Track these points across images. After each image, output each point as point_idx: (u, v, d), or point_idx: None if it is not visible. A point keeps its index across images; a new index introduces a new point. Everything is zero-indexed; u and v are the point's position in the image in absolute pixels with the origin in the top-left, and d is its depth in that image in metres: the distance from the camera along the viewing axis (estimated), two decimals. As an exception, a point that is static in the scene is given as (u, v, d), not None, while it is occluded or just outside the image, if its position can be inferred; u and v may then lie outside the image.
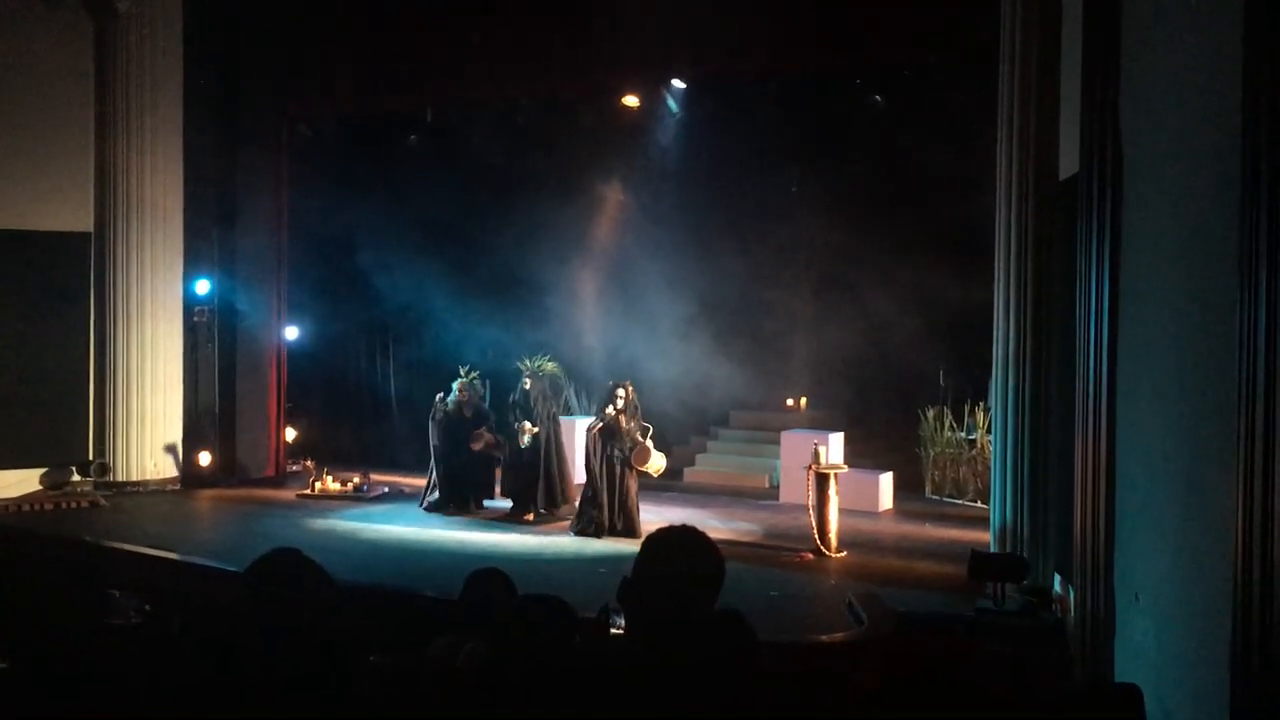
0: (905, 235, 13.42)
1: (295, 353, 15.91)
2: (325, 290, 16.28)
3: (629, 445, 11.49)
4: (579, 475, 12.60)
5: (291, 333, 15.71)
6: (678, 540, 2.71)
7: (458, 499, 12.66)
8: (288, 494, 14.04)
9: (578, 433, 13.65)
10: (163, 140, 14.25)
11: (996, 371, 9.55)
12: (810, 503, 10.77)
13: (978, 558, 8.50)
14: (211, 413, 14.75)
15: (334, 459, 15.20)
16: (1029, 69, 8.94)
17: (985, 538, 9.81)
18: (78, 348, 14.14)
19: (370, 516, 12.46)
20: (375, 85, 14.42)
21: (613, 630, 4.99)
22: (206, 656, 2.63)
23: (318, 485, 13.86)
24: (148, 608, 5.45)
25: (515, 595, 4.38)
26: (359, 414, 17.47)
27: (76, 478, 13.58)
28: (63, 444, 13.77)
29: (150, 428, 14.23)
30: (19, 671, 2.75)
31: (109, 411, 14.11)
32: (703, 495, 13.97)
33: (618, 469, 11.49)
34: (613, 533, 11.34)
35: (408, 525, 12.02)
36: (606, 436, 11.59)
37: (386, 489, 14.04)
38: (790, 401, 15.76)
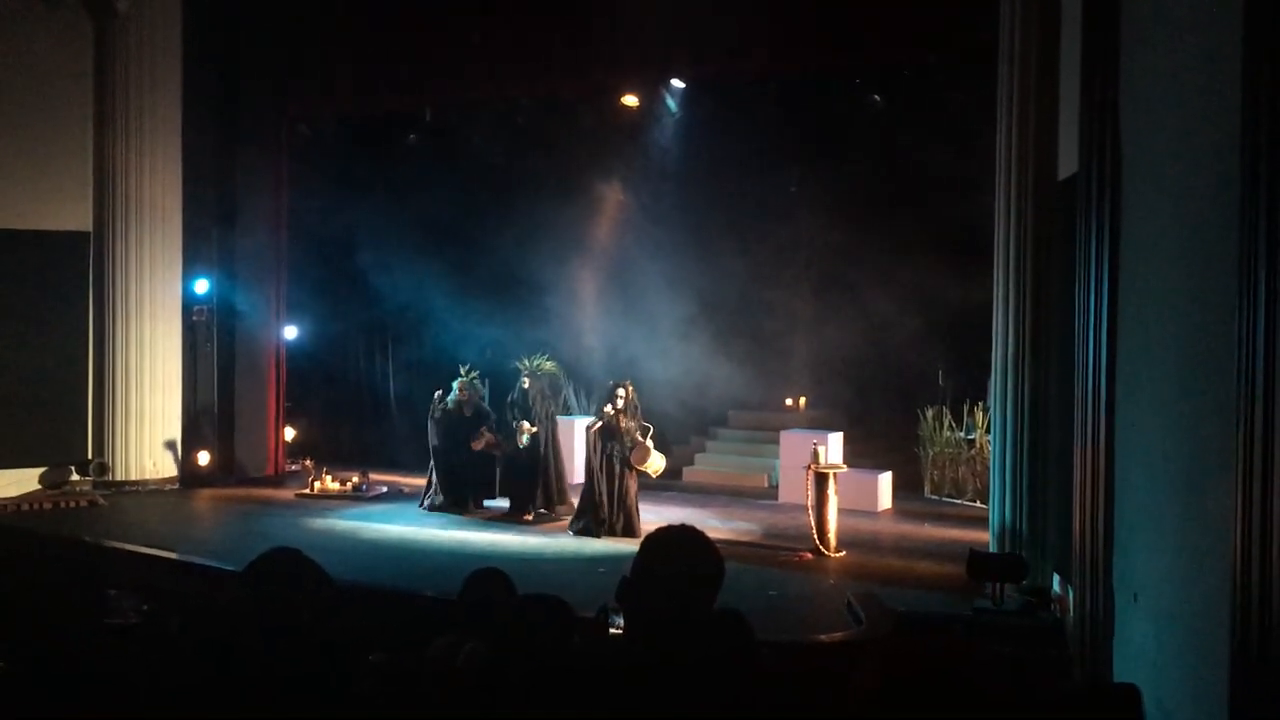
0: (905, 235, 13.43)
1: (294, 352, 15.91)
2: (325, 290, 16.28)
3: (628, 445, 11.49)
4: (577, 475, 12.60)
5: (291, 332, 15.71)
6: (677, 540, 2.70)
7: (457, 498, 12.66)
8: (287, 493, 14.05)
9: (577, 432, 13.66)
10: (162, 140, 14.26)
11: (996, 371, 9.54)
12: (809, 502, 10.78)
13: (976, 557, 8.50)
14: (210, 412, 14.75)
15: (333, 458, 15.21)
16: (1028, 69, 8.94)
17: (984, 537, 9.81)
18: (77, 347, 14.15)
19: (369, 516, 12.46)
20: (375, 85, 14.42)
21: (612, 630, 4.99)
22: (206, 656, 2.63)
23: (317, 485, 13.86)
24: (146, 607, 5.45)
25: (514, 595, 4.38)
26: (358, 413, 17.48)
27: (75, 477, 13.58)
28: (62, 443, 13.78)
29: (149, 427, 14.24)
30: (18, 672, 2.75)
31: (108, 411, 14.12)
32: (702, 495, 13.98)
33: (617, 468, 11.49)
34: (612, 532, 11.34)
35: (407, 525, 12.02)
36: (606, 436, 11.59)
37: (385, 488, 14.05)
38: (789, 401, 15.76)
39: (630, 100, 14.30)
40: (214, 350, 14.78)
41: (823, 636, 7.93)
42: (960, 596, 8.66)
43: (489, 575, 4.60)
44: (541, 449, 12.29)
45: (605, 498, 11.47)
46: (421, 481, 13.33)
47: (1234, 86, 4.13)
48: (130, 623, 5.03)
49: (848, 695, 1.97)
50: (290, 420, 15.69)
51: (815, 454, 11.01)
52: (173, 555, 10.47)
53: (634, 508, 11.54)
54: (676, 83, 13.92)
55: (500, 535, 11.53)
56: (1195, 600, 4.83)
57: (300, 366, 16.20)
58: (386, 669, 3.83)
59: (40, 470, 13.30)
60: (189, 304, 14.60)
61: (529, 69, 13.44)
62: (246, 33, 14.66)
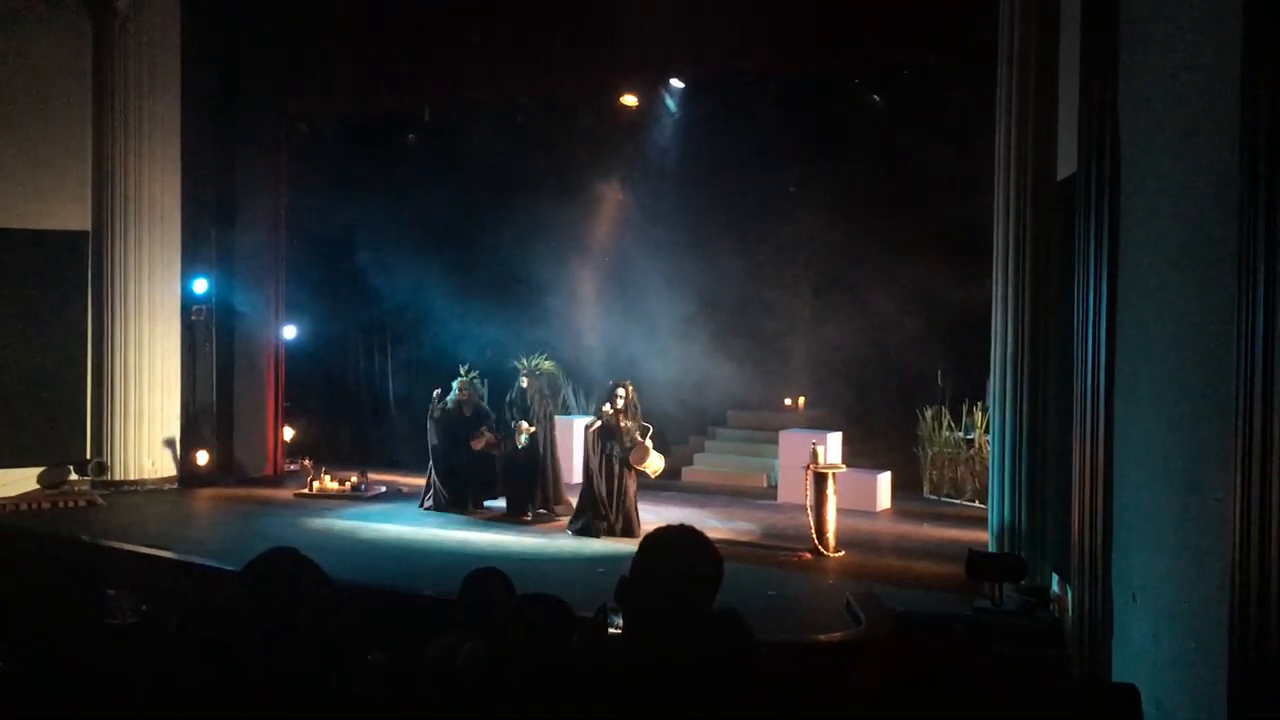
0: (904, 235, 13.43)
1: (293, 352, 15.91)
2: (324, 289, 16.27)
3: (628, 444, 11.48)
4: (576, 475, 12.59)
5: (290, 332, 15.70)
6: (676, 540, 2.70)
7: (457, 498, 12.66)
8: (285, 493, 14.04)
9: (576, 432, 13.65)
10: (161, 139, 14.25)
11: (995, 371, 9.54)
12: (808, 502, 10.77)
13: (976, 557, 8.50)
14: (209, 412, 14.74)
15: (332, 458, 15.21)
16: (1028, 68, 8.93)
17: (983, 537, 9.80)
18: (76, 346, 14.14)
19: (368, 516, 12.46)
20: (375, 85, 14.42)
21: (610, 630, 4.98)
22: (204, 656, 2.63)
23: (315, 484, 13.85)
24: (144, 607, 5.45)
25: (513, 595, 4.38)
26: (357, 413, 17.48)
27: (74, 476, 13.56)
28: (60, 443, 13.77)
29: (148, 427, 14.23)
30: (18, 672, 2.74)
31: (107, 410, 14.11)
32: (701, 495, 13.97)
33: (616, 468, 11.48)
34: (611, 532, 11.34)
35: (406, 525, 12.01)
36: (605, 435, 11.59)
37: (384, 488, 14.05)
38: (789, 401, 15.75)
39: (630, 100, 14.30)
40: (213, 350, 14.77)
41: (822, 636, 7.93)
42: (959, 596, 8.66)
43: (488, 575, 4.60)
44: (540, 449, 12.29)
45: (604, 497, 11.46)
46: (420, 481, 13.32)
47: (1233, 86, 4.13)
48: (129, 622, 5.02)
49: (848, 695, 1.97)
50: (289, 420, 15.69)
51: (814, 454, 11.01)
52: (171, 555, 10.46)
53: (633, 508, 11.54)
54: (676, 83, 13.92)
55: (499, 535, 11.53)
56: (1194, 600, 4.83)
57: (299, 366, 16.20)
58: (385, 669, 3.83)
59: (39, 470, 13.28)
60: (188, 303, 14.59)
61: (529, 69, 13.44)
62: (246, 32, 14.64)
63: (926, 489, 14.01)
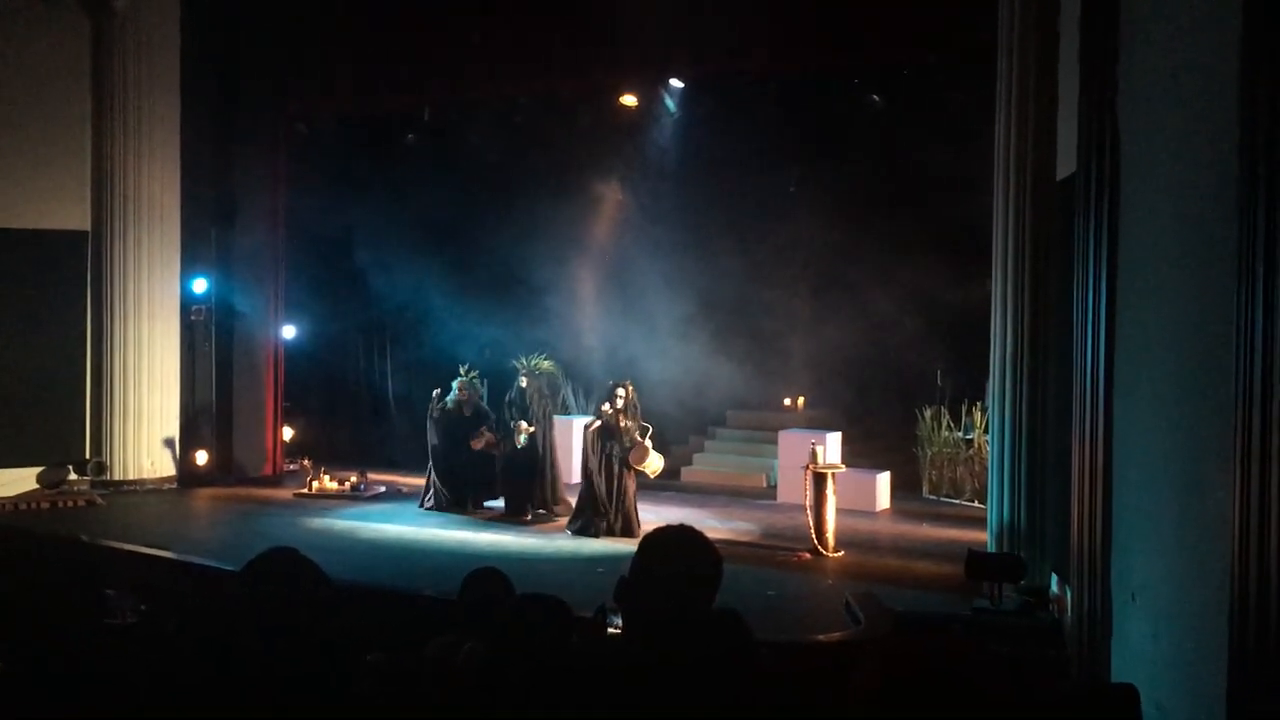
0: (904, 235, 13.43)
1: (293, 352, 15.90)
2: (323, 289, 16.27)
3: (627, 444, 11.48)
4: (575, 475, 12.59)
5: (289, 331, 15.70)
6: (675, 540, 2.70)
7: (457, 498, 12.66)
8: (285, 493, 14.04)
9: (575, 432, 13.65)
10: (160, 139, 14.25)
11: (994, 371, 9.54)
12: (808, 502, 10.77)
13: (975, 557, 8.50)
14: (208, 411, 14.74)
15: (331, 458, 15.20)
16: (1027, 68, 8.93)
17: (982, 537, 9.80)
18: (75, 346, 14.13)
19: (367, 516, 12.46)
20: (375, 85, 14.41)
21: (610, 630, 4.98)
22: (204, 656, 2.63)
23: (315, 484, 13.85)
24: (143, 607, 5.44)
25: (513, 595, 4.38)
26: (356, 413, 17.48)
27: (73, 476, 13.55)
28: (60, 443, 13.76)
29: (147, 426, 14.23)
30: (18, 672, 2.74)
31: (106, 410, 14.11)
32: (700, 495, 13.97)
33: (616, 468, 11.47)
34: (610, 532, 11.34)
35: (405, 525, 12.01)
36: (605, 435, 11.58)
37: (384, 488, 14.05)
38: (788, 401, 15.75)
39: (629, 100, 14.29)
40: (212, 350, 14.77)
41: (821, 636, 7.93)
42: (958, 596, 8.67)
43: (487, 575, 4.60)
44: (539, 449, 12.29)
45: (604, 497, 11.46)
46: (420, 481, 13.31)
47: (1232, 86, 4.13)
48: (127, 622, 5.02)
49: (848, 695, 1.97)
50: (288, 420, 15.68)
51: (814, 454, 11.01)
52: (171, 555, 10.46)
53: (632, 507, 11.54)
54: (675, 82, 13.91)
55: (498, 535, 11.53)
56: (1193, 600, 4.83)
57: (298, 366, 16.19)
58: (384, 669, 3.83)
59: (38, 469, 13.28)
60: (187, 303, 14.59)
61: (529, 69, 13.43)
62: (245, 32, 14.64)
63: (926, 489, 14.02)
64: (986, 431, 11.72)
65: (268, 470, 15.00)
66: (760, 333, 15.07)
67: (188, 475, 14.42)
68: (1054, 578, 8.36)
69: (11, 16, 13.53)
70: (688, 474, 14.96)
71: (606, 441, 11.57)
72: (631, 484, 11.57)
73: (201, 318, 14.64)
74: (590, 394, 15.57)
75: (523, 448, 12.20)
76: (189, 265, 14.60)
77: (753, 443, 15.23)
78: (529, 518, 12.16)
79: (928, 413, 14.05)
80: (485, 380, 13.89)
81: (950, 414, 13.91)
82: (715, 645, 2.55)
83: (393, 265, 14.83)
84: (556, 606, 3.85)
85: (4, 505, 12.67)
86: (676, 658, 2.49)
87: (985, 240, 9.73)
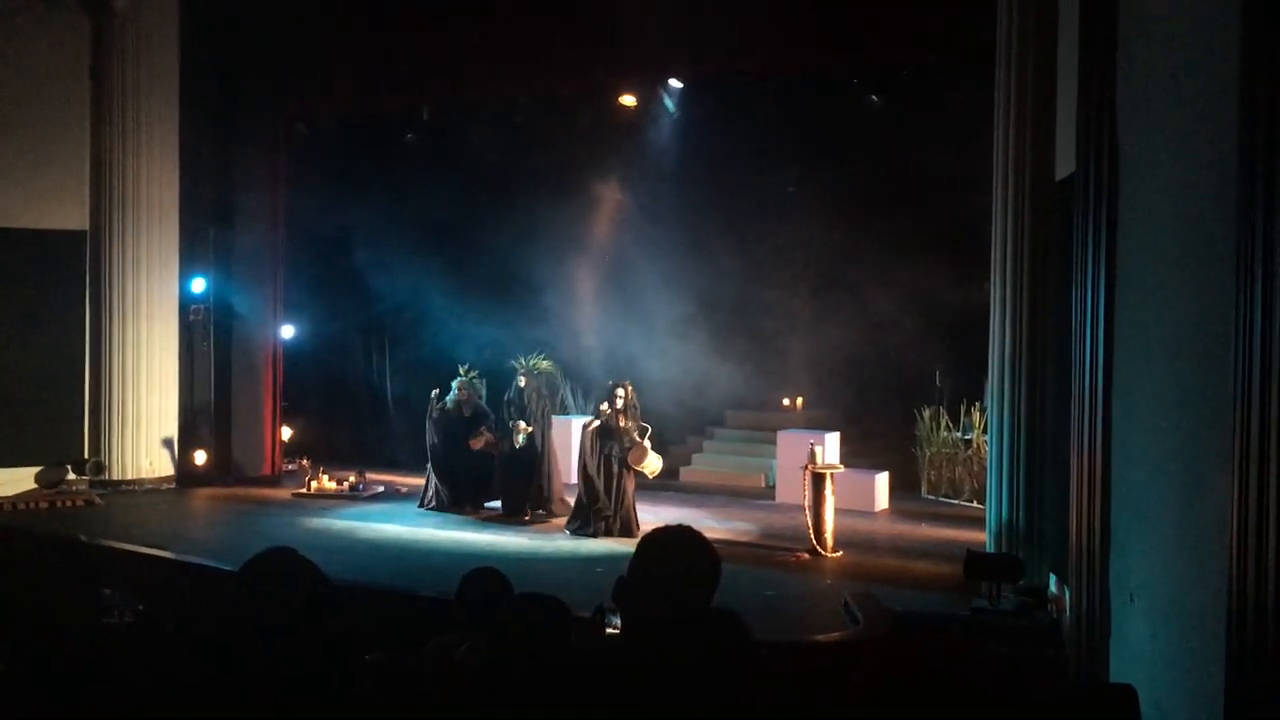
0: (903, 235, 13.42)
1: (291, 351, 15.89)
2: (322, 289, 16.25)
3: (627, 445, 11.48)
4: (573, 475, 12.58)
5: (288, 331, 15.69)
6: (674, 540, 2.71)
7: (456, 498, 12.65)
8: (283, 493, 14.03)
9: (574, 432, 13.64)
10: (159, 139, 14.25)
11: (993, 371, 9.54)
12: (806, 502, 10.77)
13: (973, 558, 8.51)
14: (207, 411, 14.74)
15: (330, 458, 15.19)
16: (1026, 68, 8.94)
17: (981, 538, 9.81)
18: (73, 346, 14.13)
19: (366, 516, 12.45)
20: (375, 85, 14.40)
21: (608, 630, 4.98)
22: (203, 656, 2.63)
23: (313, 484, 13.85)
24: (141, 607, 5.44)
25: (511, 595, 4.38)
26: (355, 413, 17.47)
27: (72, 476, 13.55)
28: (58, 442, 13.75)
29: (146, 426, 14.22)
30: (17, 672, 2.74)
31: (104, 410, 14.10)
32: (699, 495, 13.97)
33: (615, 468, 11.47)
34: (609, 532, 11.33)
35: (404, 525, 12.01)
36: (604, 435, 11.58)
37: (382, 488, 14.04)
38: (787, 401, 15.75)
39: (628, 100, 14.29)
40: (211, 350, 14.77)
41: (820, 636, 7.93)
42: (957, 596, 8.67)
43: (486, 575, 4.60)
44: (538, 449, 12.29)
45: (603, 497, 11.46)
46: (418, 481, 13.31)
47: (1232, 86, 4.13)
48: (126, 622, 5.02)
49: (848, 695, 1.96)
50: (287, 420, 15.67)
51: (812, 454, 11.01)
52: (169, 555, 10.46)
53: (631, 508, 11.54)
54: (675, 83, 13.91)
55: (497, 535, 11.53)
56: (1192, 601, 4.83)
57: (297, 366, 16.18)
58: (383, 668, 3.83)
59: (36, 469, 13.28)
60: (186, 303, 14.59)
61: (528, 69, 13.43)
62: (245, 32, 14.65)
63: (924, 489, 14.02)
64: (985, 432, 11.72)
65: (266, 470, 14.99)
66: (759, 333, 15.07)
67: (186, 475, 14.41)
68: (1052, 578, 8.36)
69: (11, 16, 13.53)
70: (686, 474, 14.95)
71: (606, 442, 11.56)
72: (630, 484, 11.57)
73: (200, 318, 14.64)
74: (589, 394, 15.57)
75: (521, 448, 12.20)
76: (188, 265, 14.60)
77: (751, 443, 15.22)
78: (527, 518, 12.17)
79: (926, 413, 14.05)
80: (484, 380, 13.89)
81: (949, 414, 13.91)
82: (714, 645, 2.55)
83: (392, 265, 14.82)
84: (555, 606, 3.84)
85: (2, 505, 12.66)
86: (675, 658, 2.49)
87: (985, 240, 9.73)
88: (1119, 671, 6.01)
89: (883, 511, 13.00)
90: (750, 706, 2.51)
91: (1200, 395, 4.74)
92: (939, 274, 12.60)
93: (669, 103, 14.28)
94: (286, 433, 15.57)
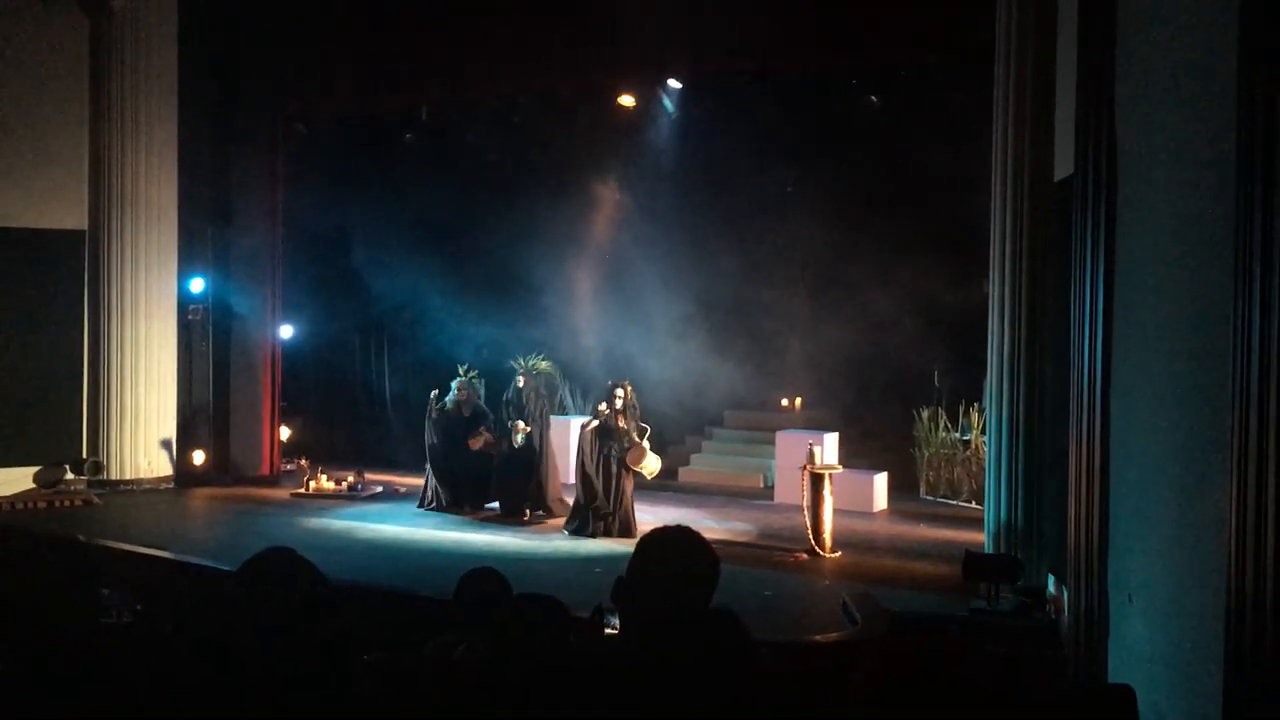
0: (901, 235, 13.43)
1: (290, 351, 15.89)
2: (321, 289, 16.26)
3: (626, 445, 11.48)
4: (572, 475, 12.58)
5: (286, 331, 15.69)
6: (672, 540, 2.71)
7: (455, 499, 12.65)
8: (282, 493, 14.03)
9: (573, 432, 13.64)
10: (158, 138, 14.24)
11: (991, 372, 9.54)
12: (805, 503, 10.77)
13: (972, 558, 8.51)
14: (206, 411, 14.73)
15: (328, 458, 15.19)
16: (1024, 68, 8.94)
17: (979, 538, 9.81)
18: (72, 345, 14.12)
19: (365, 516, 12.45)
20: (374, 85, 14.39)
21: (607, 630, 4.98)
22: (201, 656, 2.63)
23: (312, 484, 13.84)
24: (139, 607, 5.44)
25: (510, 595, 4.38)
26: (354, 413, 17.47)
27: (70, 476, 13.54)
28: (56, 442, 13.75)
29: (144, 426, 14.21)
30: (16, 672, 2.74)
31: (103, 409, 14.09)
32: (698, 495, 13.97)
33: (614, 469, 11.47)
34: (608, 533, 11.33)
35: (402, 525, 12.00)
36: (603, 435, 11.58)
37: (381, 488, 14.04)
38: (785, 401, 15.75)
39: (627, 100, 14.29)
40: (209, 349, 14.76)
41: (818, 637, 7.93)
42: (955, 597, 8.66)
43: (484, 575, 4.60)
44: (536, 449, 12.29)
45: (601, 497, 11.46)
46: (417, 481, 13.30)
47: (1230, 87, 4.13)
48: (124, 622, 5.02)
49: (848, 695, 1.96)
50: (285, 419, 15.67)
51: (811, 454, 11.01)
52: (168, 555, 10.45)
53: (630, 508, 11.54)
54: (674, 83, 13.91)
55: (495, 535, 11.52)
56: (1191, 601, 4.83)
57: (296, 366, 16.18)
58: (382, 668, 3.83)
59: (35, 469, 13.27)
60: (184, 303, 14.58)
61: (528, 69, 13.42)
62: (244, 31, 14.63)
63: (923, 490, 14.01)
64: (984, 432, 11.72)
65: (265, 470, 14.98)
66: (758, 333, 15.07)
67: (185, 475, 14.41)
68: (1051, 578, 8.36)
69: (10, 16, 13.52)
70: (685, 474, 14.95)
71: (605, 442, 11.56)
72: (629, 484, 11.57)
73: (199, 317, 14.63)
74: (588, 394, 15.57)
75: (520, 448, 12.20)
76: (186, 265, 14.60)
77: (750, 443, 15.23)
78: (526, 518, 12.16)
79: (925, 413, 14.06)
80: (483, 380, 13.89)
81: (948, 415, 13.91)
82: (713, 645, 2.55)
83: (391, 265, 14.83)
84: (553, 607, 3.84)
85: (0, 505, 12.65)
86: (674, 658, 2.49)
87: (984, 240, 9.73)
88: (1117, 672, 6.02)
89: (881, 512, 13.00)
90: (749, 706, 2.51)
91: (1199, 395, 4.74)
92: (938, 274, 12.60)
93: (668, 103, 14.28)
94: (285, 433, 15.56)
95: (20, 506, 12.71)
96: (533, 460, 12.27)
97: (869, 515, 12.69)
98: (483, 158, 15.61)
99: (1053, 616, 7.97)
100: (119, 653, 3.00)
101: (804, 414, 15.54)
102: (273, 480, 14.78)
